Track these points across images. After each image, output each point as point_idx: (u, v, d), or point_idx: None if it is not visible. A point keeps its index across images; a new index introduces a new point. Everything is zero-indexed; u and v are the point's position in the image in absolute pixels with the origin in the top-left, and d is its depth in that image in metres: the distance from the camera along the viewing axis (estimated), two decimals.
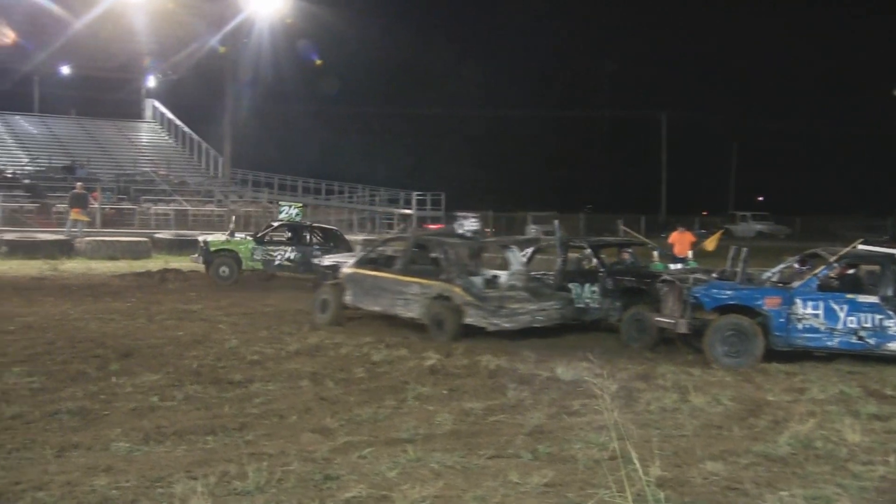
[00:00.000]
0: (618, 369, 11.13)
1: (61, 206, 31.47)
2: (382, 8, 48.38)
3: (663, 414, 8.97)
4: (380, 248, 16.25)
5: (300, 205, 25.03)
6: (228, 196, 40.54)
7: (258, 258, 22.12)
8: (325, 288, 15.95)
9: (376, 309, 14.81)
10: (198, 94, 46.75)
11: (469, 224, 15.29)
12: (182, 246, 28.50)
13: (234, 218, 25.36)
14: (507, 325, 13.16)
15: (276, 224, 23.65)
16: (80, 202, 28.86)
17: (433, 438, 7.87)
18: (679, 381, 10.52)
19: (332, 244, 23.06)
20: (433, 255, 15.01)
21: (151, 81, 50.70)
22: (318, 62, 46.95)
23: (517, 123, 64.72)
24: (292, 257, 22.33)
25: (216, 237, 23.00)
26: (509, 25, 62.38)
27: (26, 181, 37.88)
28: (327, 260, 18.25)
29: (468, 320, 13.27)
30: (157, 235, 30.39)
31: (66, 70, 47.37)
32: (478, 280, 14.29)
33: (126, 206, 35.65)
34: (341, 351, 12.44)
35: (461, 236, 15.12)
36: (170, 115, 49.27)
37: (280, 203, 25.24)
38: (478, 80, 57.92)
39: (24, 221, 31.64)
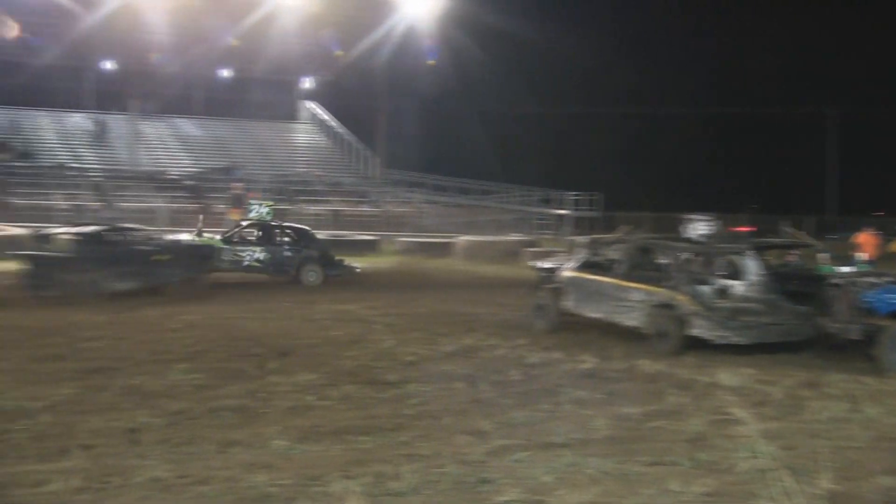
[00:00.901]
0: (783, 376, 10.77)
1: (220, 207, 32.43)
2: (539, 6, 48.07)
3: (833, 424, 8.58)
4: (602, 251, 15.08)
5: (271, 203, 24.38)
6: (382, 196, 41.14)
7: (226, 259, 21.37)
8: (542, 292, 15.24)
9: (596, 316, 13.98)
10: (352, 95, 47.50)
11: (702, 227, 14.14)
12: (337, 246, 29.03)
13: (201, 217, 24.20)
14: (735, 338, 12.10)
15: (245, 223, 22.96)
16: (238, 203, 29.69)
17: (589, 443, 7.81)
18: (850, 389, 10.07)
19: (303, 244, 22.55)
20: (659, 259, 14.01)
21: (307, 83, 51.76)
22: (478, 62, 47.00)
23: (676, 121, 63.55)
24: (261, 258, 21.69)
25: (178, 237, 22.15)
26: (667, 22, 61.11)
27: (188, 182, 39.23)
28: (545, 263, 16.81)
29: (693, 332, 12.34)
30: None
31: (226, 73, 48.81)
32: (706, 289, 13.11)
33: (282, 206, 36.50)
34: (496, 353, 12.46)
35: (690, 240, 14.06)
36: (325, 115, 50.21)
37: (250, 201, 24.26)
38: (635, 77, 57.08)
39: (185, 222, 32.73)
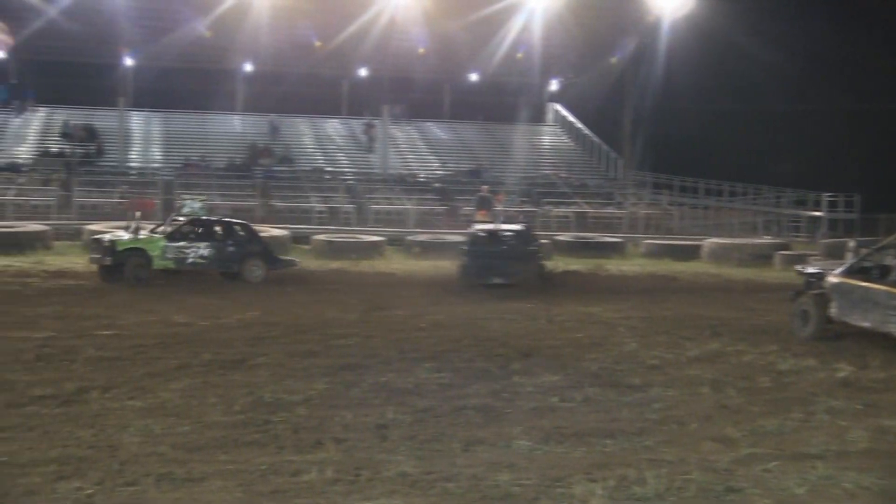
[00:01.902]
0: None
1: (467, 209, 33.02)
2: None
3: None
4: (874, 257, 13.87)
5: (203, 198, 23.69)
6: (628, 198, 40.77)
7: (170, 256, 20.28)
8: (806, 298, 14.31)
9: (864, 325, 13.08)
10: (598, 96, 47.26)
11: None
12: (581, 248, 28.99)
13: (138, 214, 22.56)
14: None
15: (181, 219, 21.86)
16: (485, 205, 30.12)
17: (846, 456, 7.48)
18: None
19: (244, 239, 21.53)
20: None
21: (553, 85, 51.96)
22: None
23: None
24: (206, 254, 20.65)
25: (119, 234, 20.91)
26: None
27: (436, 185, 40.13)
28: (811, 267, 15.60)
29: None
30: (557, 237, 31.05)
31: (473, 77, 49.68)
32: None
33: (528, 208, 36.78)
34: (744, 358, 12.12)
35: None
36: (571, 117, 50.22)
37: (183, 197, 23.71)
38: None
39: (433, 223, 33.53)
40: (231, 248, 20.89)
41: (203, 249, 20.55)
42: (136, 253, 19.74)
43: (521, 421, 8.55)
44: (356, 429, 8.12)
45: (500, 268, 20.72)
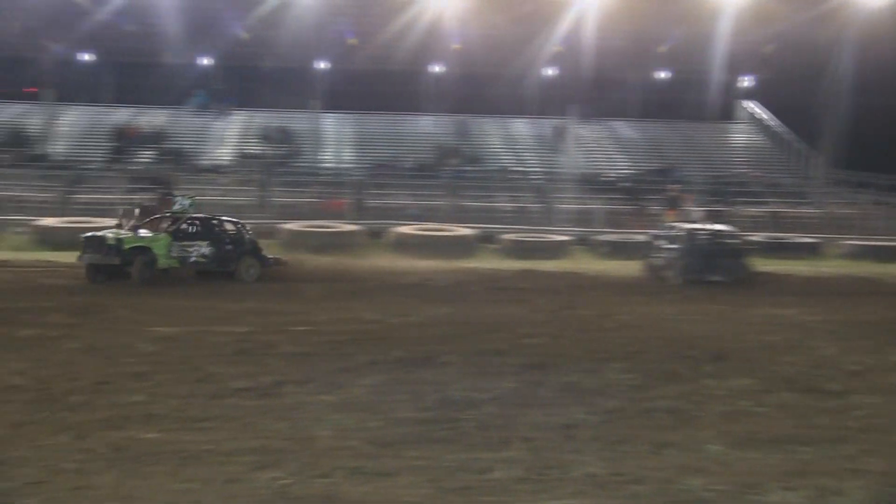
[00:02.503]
0: None
1: (655, 209, 32.51)
2: None
3: None
4: None
5: (193, 195, 22.40)
6: (825, 197, 39.27)
7: (174, 255, 19.60)
8: None
9: None
10: (794, 93, 45.67)
11: None
12: (775, 249, 28.12)
13: (137, 211, 21.64)
14: None
15: (178, 216, 20.82)
16: (675, 204, 29.60)
17: None
18: None
19: (238, 237, 20.80)
20: None
21: (745, 81, 50.59)
22: None
23: None
24: (206, 252, 19.98)
25: (120, 233, 19.81)
26: None
27: (624, 184, 39.65)
28: None
29: None
30: (749, 237, 30.21)
31: (661, 75, 48.88)
32: None
33: (719, 207, 35.91)
34: None
35: None
36: (764, 114, 48.77)
37: (174, 194, 22.17)
38: None
39: (622, 223, 33.14)
40: (228, 247, 20.45)
41: (204, 248, 20.09)
42: (143, 252, 19.16)
43: (712, 424, 8.36)
44: (543, 428, 8.09)
45: (718, 266, 21.33)
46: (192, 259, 19.87)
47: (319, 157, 41.77)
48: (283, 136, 42.29)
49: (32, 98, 42.60)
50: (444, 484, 6.50)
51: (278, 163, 39.64)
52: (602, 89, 44.62)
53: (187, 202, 21.10)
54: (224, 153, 41.78)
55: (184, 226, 20.22)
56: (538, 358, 11.48)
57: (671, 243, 22.31)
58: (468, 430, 8.00)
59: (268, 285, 19.11)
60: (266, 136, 42.61)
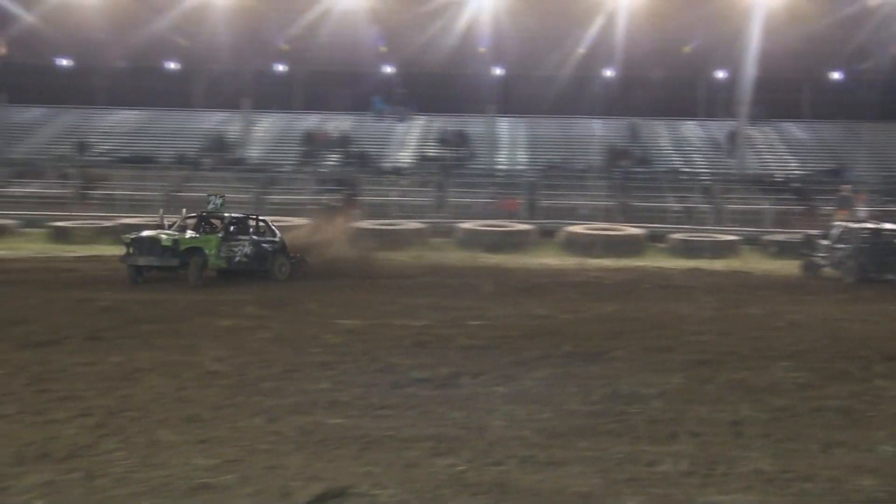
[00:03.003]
0: None
1: (827, 209, 31.39)
2: None
3: None
4: None
5: (223, 193, 20.75)
6: None
7: (223, 255, 18.34)
8: None
9: None
10: None
11: None
12: None
13: (184, 210, 20.24)
14: None
15: (193, 216, 19.71)
16: (846, 204, 28.57)
17: None
18: None
19: (271, 236, 19.65)
20: None
21: None
22: None
23: None
24: (248, 252, 18.82)
25: (172, 233, 18.25)
26: None
27: (794, 185, 38.42)
28: None
29: None
30: None
31: (834, 76, 47.16)
32: None
33: (893, 208, 34.36)
34: None
35: None
36: None
37: (208, 194, 20.40)
38: None
39: (791, 223, 32.13)
40: (266, 245, 19.43)
41: (246, 248, 19.02)
42: (197, 252, 18.01)
43: (885, 425, 8.00)
44: (711, 424, 7.91)
45: (893, 265, 20.89)
46: (237, 259, 18.82)
47: (494, 160, 42.02)
48: (460, 140, 42.69)
49: (232, 107, 44.32)
50: (613, 475, 6.44)
51: (455, 165, 40.06)
52: (772, 91, 43.34)
53: (219, 201, 19.88)
54: (405, 156, 42.47)
55: (230, 226, 19.22)
56: (705, 355, 11.24)
57: (840, 242, 21.57)
58: (636, 423, 7.90)
59: (444, 280, 19.28)
60: (444, 140, 43.10)
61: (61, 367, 9.78)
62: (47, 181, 36.15)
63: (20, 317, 13.15)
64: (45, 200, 33.80)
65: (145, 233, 18.40)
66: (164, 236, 17.87)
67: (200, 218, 19.74)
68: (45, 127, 45.11)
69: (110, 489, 5.98)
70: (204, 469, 6.37)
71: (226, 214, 19.69)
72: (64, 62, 46.50)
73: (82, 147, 41.52)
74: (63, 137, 43.56)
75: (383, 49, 43.14)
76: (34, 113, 45.98)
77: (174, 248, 17.64)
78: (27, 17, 37.76)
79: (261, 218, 20.57)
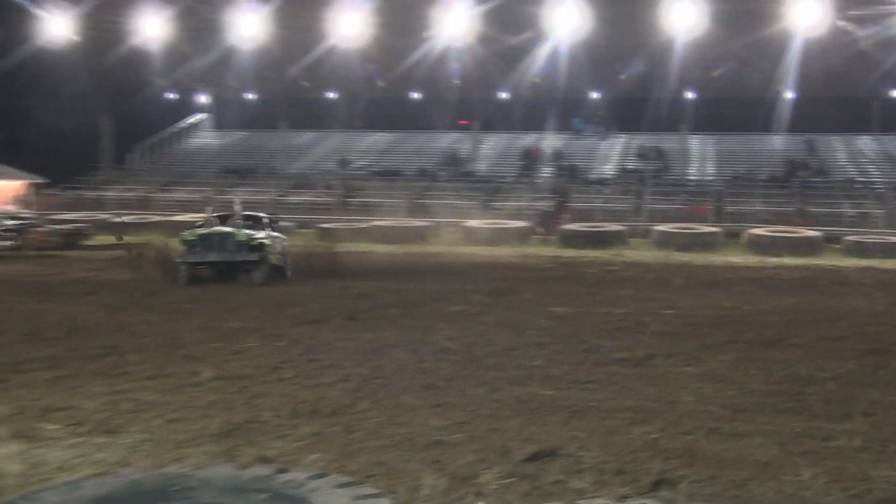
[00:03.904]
0: None
1: None
2: None
3: None
4: None
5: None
6: None
7: (277, 251, 16.46)
8: None
9: None
10: None
11: None
12: None
13: (237, 208, 17.47)
14: None
15: (216, 216, 17.14)
16: None
17: None
18: None
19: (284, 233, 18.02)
20: None
21: None
22: None
23: None
24: (280, 250, 16.82)
25: (239, 231, 16.12)
26: None
27: None
28: None
29: None
30: None
31: None
32: None
33: None
34: None
35: None
36: None
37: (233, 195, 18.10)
38: None
39: None
40: (286, 243, 17.76)
41: (279, 245, 17.12)
42: (262, 249, 16.09)
43: None
44: (883, 406, 7.43)
45: None
46: (278, 255, 16.77)
47: (686, 171, 41.00)
48: (656, 154, 41.97)
49: (463, 128, 45.15)
50: (790, 447, 6.18)
51: (652, 176, 39.36)
52: None
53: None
54: (608, 168, 42.12)
55: (273, 224, 17.65)
56: (878, 344, 10.54)
57: None
58: (812, 403, 7.54)
59: (641, 274, 19.00)
60: (642, 155, 42.48)
61: (327, 342, 10.17)
62: (316, 191, 38.00)
63: (295, 301, 13.90)
64: (315, 206, 35.58)
65: (216, 229, 16.26)
66: (239, 233, 16.08)
67: (223, 217, 17.52)
68: (315, 148, 47.49)
69: (364, 441, 6.16)
70: (438, 428, 6.48)
71: (247, 213, 17.71)
72: (330, 95, 48.58)
73: (344, 163, 43.42)
74: (329, 156, 45.71)
75: (590, 77, 42.80)
76: (307, 137, 48.43)
77: (249, 244, 15.90)
78: (303, 62, 39.52)
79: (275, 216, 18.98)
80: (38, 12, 37.79)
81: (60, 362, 8.87)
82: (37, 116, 43.40)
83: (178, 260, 15.72)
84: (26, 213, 30.95)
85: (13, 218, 25.59)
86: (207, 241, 15.88)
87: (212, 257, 15.76)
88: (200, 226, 16.99)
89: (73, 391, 7.59)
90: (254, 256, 15.75)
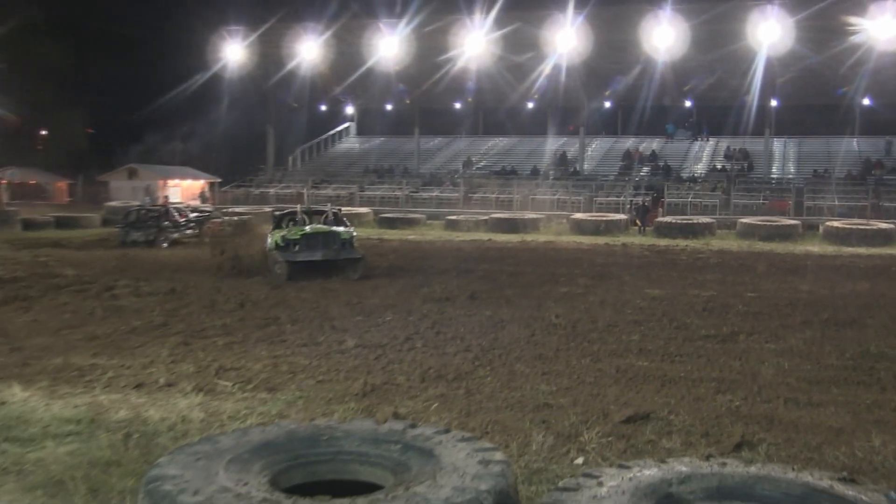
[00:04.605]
0: None
1: None
2: None
3: None
4: None
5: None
6: None
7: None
8: None
9: None
10: None
11: None
12: None
13: (335, 206, 16.15)
14: None
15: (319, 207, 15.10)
16: None
17: None
18: None
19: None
20: None
21: None
22: None
23: None
24: None
25: (336, 229, 14.48)
26: None
27: None
28: None
29: None
30: None
31: None
32: None
33: None
34: None
35: None
36: None
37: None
38: None
39: None
40: (353, 234, 15.61)
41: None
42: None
43: None
44: None
45: None
46: None
47: (769, 171, 39.32)
48: (742, 156, 40.40)
49: (573, 133, 44.60)
50: (861, 416, 6.03)
51: (738, 175, 37.98)
52: None
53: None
54: (699, 168, 40.84)
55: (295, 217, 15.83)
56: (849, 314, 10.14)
57: None
58: (883, 377, 7.28)
59: (727, 261, 18.47)
60: (730, 156, 40.99)
61: (451, 317, 10.28)
62: (443, 188, 38.30)
63: (424, 282, 13.78)
64: (442, 201, 35.90)
65: (320, 228, 14.63)
66: (343, 231, 14.59)
67: (311, 213, 16.10)
68: (443, 150, 47.80)
69: (483, 402, 6.28)
70: (546, 393, 6.56)
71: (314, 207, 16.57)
72: (457, 105, 48.78)
73: (467, 164, 43.55)
74: (455, 158, 45.93)
75: (686, 88, 41.51)
76: (436, 141, 48.79)
77: (350, 241, 14.43)
78: (433, 77, 39.92)
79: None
80: (218, 39, 39.80)
81: (232, 330, 9.35)
82: (215, 127, 46.22)
83: (281, 259, 13.72)
84: (205, 206, 32.82)
85: (195, 211, 26.90)
86: (312, 240, 14.03)
87: (318, 256, 13.87)
88: (289, 218, 15.63)
89: (241, 354, 7.99)
90: (357, 254, 14.21)
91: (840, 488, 2.82)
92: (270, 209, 17.14)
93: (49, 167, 50.03)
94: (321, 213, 16.48)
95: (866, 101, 40.78)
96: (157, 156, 49.08)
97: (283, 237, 14.06)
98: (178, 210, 25.04)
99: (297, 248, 13.86)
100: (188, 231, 23.34)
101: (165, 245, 21.43)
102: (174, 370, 7.28)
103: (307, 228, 14.49)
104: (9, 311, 10.75)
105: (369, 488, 3.11)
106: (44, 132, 56.69)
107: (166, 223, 22.64)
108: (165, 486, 2.80)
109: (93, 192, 43.15)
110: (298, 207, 15.82)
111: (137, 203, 26.76)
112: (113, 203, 35.47)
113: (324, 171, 44.83)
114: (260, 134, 46.59)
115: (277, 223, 15.71)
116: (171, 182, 44.77)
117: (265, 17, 38.81)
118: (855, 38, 31.73)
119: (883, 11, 30.27)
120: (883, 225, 26.03)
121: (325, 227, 14.74)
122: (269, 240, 14.72)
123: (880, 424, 5.81)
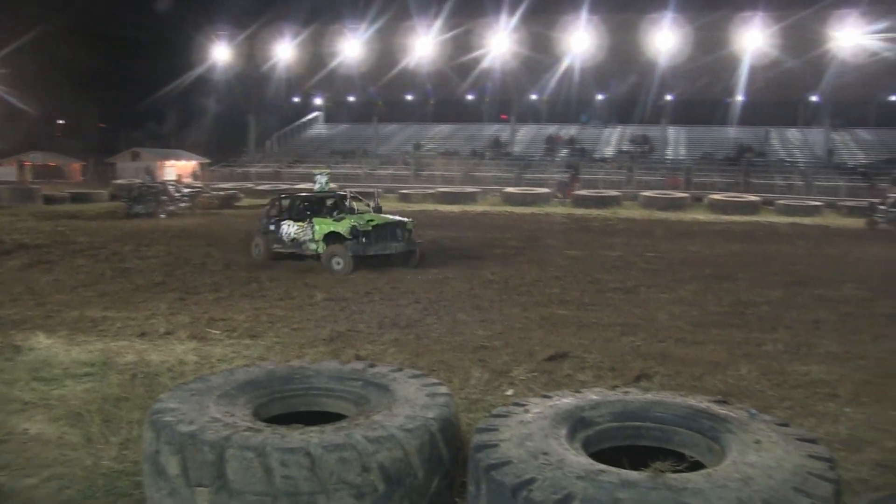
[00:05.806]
0: None
1: (883, 185, 27.44)
2: None
3: None
4: None
5: (328, 171, 13.98)
6: None
7: None
8: None
9: None
10: None
11: None
12: None
13: (376, 191, 14.39)
14: None
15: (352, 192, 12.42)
16: None
17: None
18: None
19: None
20: None
21: None
22: None
23: None
24: None
25: (399, 219, 11.16)
26: None
27: (861, 170, 33.82)
28: None
29: None
30: None
31: None
32: None
33: None
34: None
35: None
36: None
37: (314, 173, 13.15)
38: None
39: (858, 194, 28.42)
40: None
41: None
42: None
43: None
44: (799, 322, 7.39)
45: None
46: None
47: (664, 152, 39.87)
48: (643, 140, 40.80)
49: (505, 121, 44.45)
50: (734, 351, 6.22)
51: (640, 156, 38.41)
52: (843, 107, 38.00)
53: (325, 179, 12.96)
54: (609, 150, 41.11)
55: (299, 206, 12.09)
56: (798, 278, 10.38)
57: (894, 207, 19.18)
58: (750, 320, 7.52)
59: (630, 227, 18.74)
60: (633, 140, 41.36)
61: (405, 277, 10.02)
62: (397, 166, 37.88)
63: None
64: (396, 177, 35.52)
65: (389, 218, 11.08)
66: (406, 220, 11.23)
67: (307, 199, 12.23)
68: (397, 135, 47.17)
69: (430, 345, 6.21)
70: (483, 337, 6.52)
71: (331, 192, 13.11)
72: (408, 97, 48.10)
73: (417, 146, 43.12)
74: (406, 141, 45.35)
75: (599, 84, 41.40)
76: (391, 127, 47.95)
77: (411, 232, 11.23)
78: (390, 74, 39.32)
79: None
80: (208, 41, 38.90)
81: (220, 287, 9.13)
82: (204, 116, 45.45)
83: (350, 254, 10.35)
84: (196, 183, 32.00)
85: (188, 187, 26.32)
86: (383, 232, 10.73)
87: (389, 249, 10.70)
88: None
89: (228, 308, 7.83)
90: (414, 245, 11.12)
91: (715, 408, 2.92)
92: (272, 196, 14.03)
93: (66, 151, 49.61)
94: (342, 198, 12.28)
95: (740, 98, 41.49)
96: (156, 140, 48.49)
97: (352, 227, 10.52)
98: (174, 186, 24.44)
99: (365, 240, 10.49)
100: (182, 204, 22.75)
101: (163, 216, 20.84)
102: (172, 321, 7.12)
103: (373, 217, 11.02)
104: (34, 272, 10.37)
105: (336, 418, 3.10)
106: (61, 122, 56.55)
107: (164, 198, 22.00)
108: (166, 418, 2.80)
109: (102, 172, 42.77)
110: (347, 192, 12.29)
111: (139, 181, 25.83)
112: (119, 181, 34.30)
113: (297, 153, 43.90)
114: (242, 122, 46.31)
115: (290, 210, 11.92)
116: (167, 163, 43.72)
117: (248, 23, 38.06)
118: (732, 48, 32.32)
119: (753, 27, 30.78)
120: (752, 197, 26.74)
121: (388, 216, 11.28)
122: (284, 229, 11.55)
123: (748, 357, 6.01)
